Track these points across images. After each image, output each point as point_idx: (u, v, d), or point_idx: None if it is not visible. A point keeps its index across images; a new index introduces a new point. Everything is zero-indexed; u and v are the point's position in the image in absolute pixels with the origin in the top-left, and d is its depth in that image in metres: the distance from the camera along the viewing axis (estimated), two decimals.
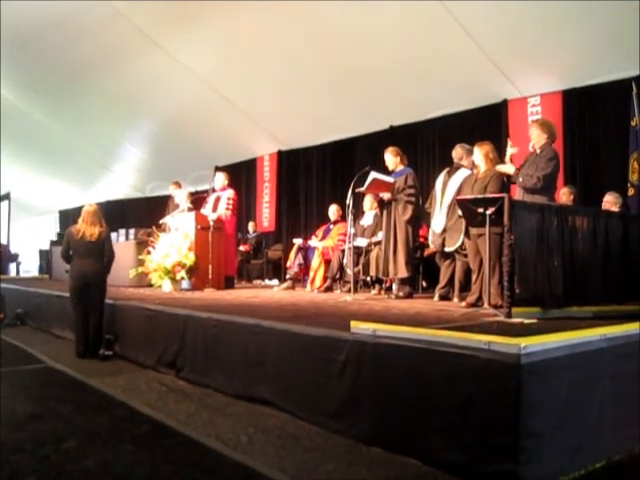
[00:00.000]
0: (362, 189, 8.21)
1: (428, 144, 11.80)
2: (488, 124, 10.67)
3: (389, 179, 8.15)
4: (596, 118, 9.58)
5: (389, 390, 3.89)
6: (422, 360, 3.71)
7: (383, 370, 3.94)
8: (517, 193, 6.56)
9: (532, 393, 3.24)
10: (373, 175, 8.00)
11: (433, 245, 7.88)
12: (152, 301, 7.51)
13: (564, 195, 8.33)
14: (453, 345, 3.59)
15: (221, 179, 10.91)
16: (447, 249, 7.48)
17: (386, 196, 8.17)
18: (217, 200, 10.66)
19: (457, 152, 7.88)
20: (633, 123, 8.44)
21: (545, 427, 3.30)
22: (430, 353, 3.66)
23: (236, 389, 5.28)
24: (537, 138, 6.54)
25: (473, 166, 7.43)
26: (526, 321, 4.78)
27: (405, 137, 11.81)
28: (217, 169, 15.22)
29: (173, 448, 4.06)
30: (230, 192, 10.74)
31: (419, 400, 3.69)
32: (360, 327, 4.27)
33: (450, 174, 7.77)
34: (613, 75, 9.07)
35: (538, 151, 6.48)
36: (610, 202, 8.05)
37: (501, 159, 6.80)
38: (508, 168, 6.48)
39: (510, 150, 6.60)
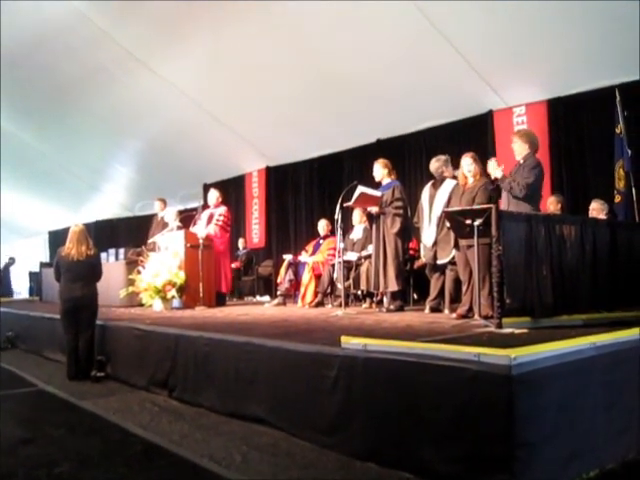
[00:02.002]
0: (350, 203, 8.22)
1: (415, 156, 11.82)
2: (474, 135, 10.70)
3: (376, 193, 8.16)
4: (581, 126, 9.64)
5: (381, 404, 3.88)
6: (413, 373, 3.70)
7: (374, 384, 3.94)
8: (503, 203, 6.59)
9: (524, 403, 3.24)
10: (360, 189, 8.01)
11: (425, 258, 7.87)
12: (143, 321, 7.49)
13: (551, 204, 8.36)
14: (443, 358, 3.59)
15: (214, 196, 10.95)
16: (440, 261, 7.50)
17: (374, 210, 8.19)
18: (210, 217, 10.70)
19: (435, 166, 7.90)
20: (618, 130, 8.48)
21: (538, 437, 3.30)
22: (421, 366, 3.66)
23: (229, 407, 5.26)
24: (519, 149, 6.61)
25: (454, 176, 7.48)
26: (517, 331, 4.80)
27: (392, 150, 11.81)
28: (206, 186, 15.26)
29: (167, 469, 4.04)
30: (222, 209, 10.81)
31: (411, 413, 3.68)
32: (351, 342, 4.27)
33: (436, 187, 7.80)
34: (597, 83, 9.13)
35: (521, 161, 6.53)
36: (597, 209, 8.10)
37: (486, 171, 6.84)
38: (497, 172, 6.49)
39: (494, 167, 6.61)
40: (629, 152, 8.38)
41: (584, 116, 9.59)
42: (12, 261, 22.42)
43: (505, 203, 6.48)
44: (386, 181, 8.39)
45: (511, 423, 3.19)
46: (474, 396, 3.34)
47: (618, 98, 8.47)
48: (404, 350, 3.89)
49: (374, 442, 3.91)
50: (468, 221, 5.57)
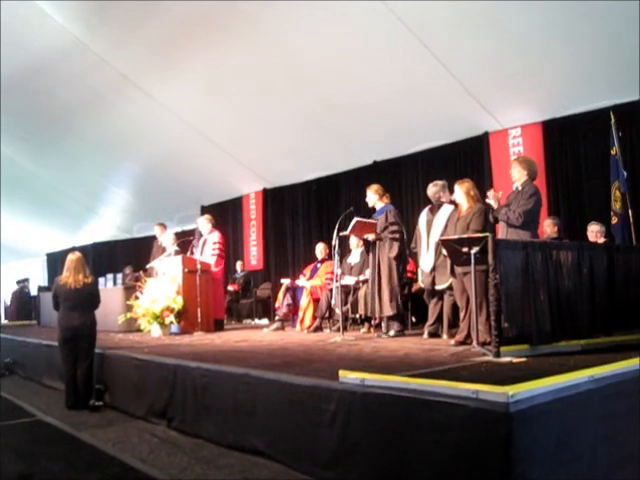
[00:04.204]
0: (346, 232, 8.25)
1: (412, 178, 11.86)
2: (470, 157, 10.77)
3: (371, 220, 8.21)
4: (577, 148, 9.69)
5: (379, 439, 3.86)
6: (411, 409, 3.68)
7: (373, 419, 3.92)
8: (501, 230, 6.61)
9: (522, 440, 3.22)
10: (356, 219, 8.04)
11: (423, 284, 7.83)
12: (141, 349, 7.47)
13: (548, 227, 8.37)
14: (441, 394, 3.58)
15: (205, 224, 10.95)
16: (438, 287, 7.47)
17: (370, 237, 8.20)
18: (204, 244, 10.70)
19: (432, 191, 7.91)
20: (613, 152, 8.53)
21: (538, 474, 3.28)
22: (419, 402, 3.64)
23: (228, 439, 5.23)
24: (518, 175, 6.63)
25: (452, 201, 7.49)
26: (515, 360, 4.79)
27: (389, 172, 11.90)
28: (203, 209, 15.28)
29: None
30: (216, 235, 10.80)
31: (409, 449, 3.66)
32: (348, 377, 4.25)
33: (433, 212, 7.80)
34: (591, 105, 9.21)
35: (520, 188, 6.56)
36: (596, 232, 8.14)
37: (482, 196, 6.87)
38: (493, 202, 6.55)
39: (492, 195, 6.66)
40: (625, 173, 8.43)
41: (579, 137, 9.65)
42: (26, 283, 21.99)
43: (503, 232, 6.50)
44: (379, 206, 8.42)
45: (510, 461, 3.16)
46: (472, 433, 3.32)
47: (613, 120, 8.52)
48: (401, 385, 3.88)
49: (373, 477, 3.89)
50: (465, 249, 5.57)
